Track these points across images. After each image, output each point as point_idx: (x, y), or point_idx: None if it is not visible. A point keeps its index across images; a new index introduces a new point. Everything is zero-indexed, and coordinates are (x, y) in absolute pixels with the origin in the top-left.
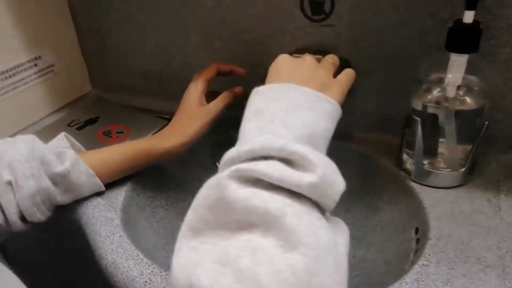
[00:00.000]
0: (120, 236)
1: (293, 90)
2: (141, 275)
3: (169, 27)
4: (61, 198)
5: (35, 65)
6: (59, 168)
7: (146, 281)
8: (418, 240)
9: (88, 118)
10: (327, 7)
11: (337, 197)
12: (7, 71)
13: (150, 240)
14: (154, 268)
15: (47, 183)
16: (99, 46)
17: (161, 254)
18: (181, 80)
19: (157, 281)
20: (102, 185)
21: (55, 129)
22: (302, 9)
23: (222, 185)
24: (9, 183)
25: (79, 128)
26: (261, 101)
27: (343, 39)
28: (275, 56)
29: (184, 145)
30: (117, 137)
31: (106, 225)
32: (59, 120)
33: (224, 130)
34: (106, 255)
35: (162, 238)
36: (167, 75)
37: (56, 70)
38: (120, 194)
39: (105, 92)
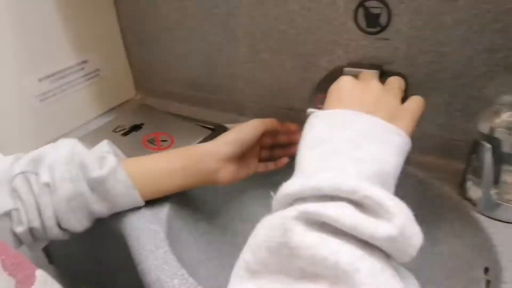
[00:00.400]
0: (165, 251)
1: (359, 118)
2: None
3: (216, 36)
4: (98, 206)
5: (82, 68)
6: (95, 173)
7: None
8: (488, 282)
9: (133, 124)
10: (383, 19)
11: (414, 252)
12: (57, 73)
13: (193, 255)
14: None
15: (84, 187)
16: (145, 52)
17: (203, 271)
18: (226, 90)
19: None
20: (140, 199)
21: (100, 134)
22: (356, 21)
23: (288, 227)
24: (47, 185)
25: (125, 134)
26: (323, 127)
27: (400, 54)
28: (325, 69)
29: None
30: (161, 145)
31: (151, 238)
32: (105, 125)
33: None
34: (150, 270)
35: (205, 253)
36: (212, 84)
37: (102, 75)
38: (164, 206)
39: (149, 97)
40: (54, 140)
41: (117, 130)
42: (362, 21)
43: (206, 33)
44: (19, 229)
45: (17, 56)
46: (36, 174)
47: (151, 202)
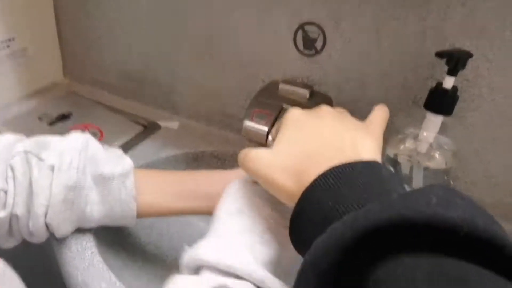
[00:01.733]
0: (91, 252)
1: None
2: None
3: (159, 34)
4: (90, 209)
5: (8, 46)
6: (107, 169)
7: None
8: None
9: (61, 113)
10: (319, 44)
11: None
12: None
13: (119, 257)
14: None
15: (88, 181)
16: (79, 36)
17: (128, 272)
18: (162, 87)
19: None
20: (134, 217)
21: (24, 121)
22: (295, 41)
23: None
24: (51, 168)
25: (51, 124)
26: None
27: (329, 78)
28: (261, 81)
29: None
30: None
31: (78, 239)
32: (29, 111)
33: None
34: (76, 273)
35: (130, 254)
36: (148, 79)
37: (28, 54)
38: None
39: (78, 84)
40: None
41: (43, 118)
42: (300, 43)
43: (149, 30)
44: (1, 213)
45: None
46: (39, 157)
47: None
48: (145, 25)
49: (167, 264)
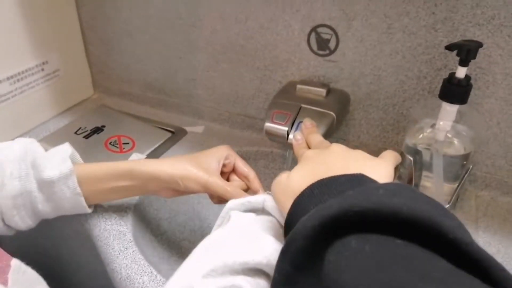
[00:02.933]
0: (133, 251)
1: None
2: None
3: (177, 44)
4: (43, 206)
5: (42, 69)
6: (46, 174)
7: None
8: None
9: (95, 126)
10: (332, 44)
11: None
12: (16, 75)
13: (156, 253)
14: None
15: (32, 186)
16: (105, 52)
17: (165, 267)
18: (184, 94)
19: None
20: (87, 208)
21: (62, 136)
22: (309, 43)
23: None
24: None
25: (86, 137)
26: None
27: (345, 74)
28: (279, 83)
29: (165, 180)
30: (123, 148)
31: (119, 239)
32: (66, 127)
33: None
34: (120, 269)
35: (166, 250)
36: (170, 88)
37: (61, 75)
38: (129, 208)
39: (107, 97)
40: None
41: (79, 132)
42: (314, 44)
43: (168, 41)
44: None
45: None
46: None
47: (117, 206)
48: (164, 35)
49: None
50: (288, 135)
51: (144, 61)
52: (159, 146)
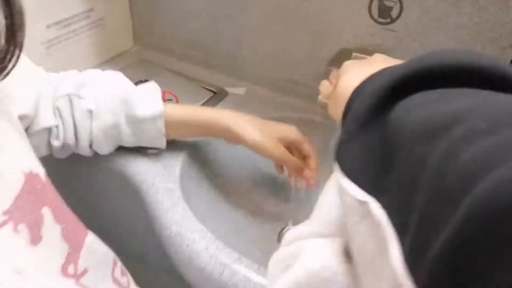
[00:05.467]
0: (183, 208)
1: None
2: (206, 249)
3: (227, 1)
4: (127, 138)
5: (88, 16)
6: (139, 112)
7: (211, 255)
8: None
9: (138, 80)
10: (394, 12)
11: None
12: (63, 20)
13: (202, 210)
14: (219, 244)
15: (122, 121)
16: (150, 4)
17: (212, 225)
18: (229, 54)
19: (221, 257)
20: (164, 146)
21: None
22: (370, 10)
23: None
24: (90, 112)
25: None
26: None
27: (403, 45)
28: (331, 50)
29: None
30: None
31: (168, 196)
32: None
33: None
34: (170, 225)
35: (212, 209)
36: (215, 47)
37: (105, 24)
38: (176, 165)
39: (147, 50)
40: None
41: None
42: (375, 11)
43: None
44: (55, 143)
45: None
46: (79, 97)
47: (164, 162)
48: None
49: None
50: None
51: (190, 17)
52: (202, 105)
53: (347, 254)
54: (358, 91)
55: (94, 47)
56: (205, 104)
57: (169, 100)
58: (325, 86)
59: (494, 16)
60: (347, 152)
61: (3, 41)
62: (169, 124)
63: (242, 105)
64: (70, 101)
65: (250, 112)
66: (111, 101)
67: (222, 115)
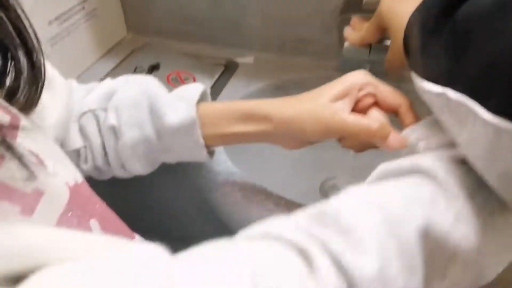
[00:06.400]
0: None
1: None
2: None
3: None
4: (162, 155)
5: (83, 8)
6: (167, 121)
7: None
8: None
9: (150, 64)
10: None
11: None
12: (62, 14)
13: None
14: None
15: (151, 134)
16: None
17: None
18: (232, 23)
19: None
20: (207, 157)
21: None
22: None
23: None
24: (112, 128)
25: (147, 74)
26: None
27: None
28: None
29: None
30: (186, 83)
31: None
32: (122, 68)
33: None
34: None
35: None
36: (217, 18)
37: (98, 14)
38: None
39: (142, 36)
40: None
41: (138, 71)
42: None
43: None
44: (85, 166)
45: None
46: (105, 110)
47: None
48: None
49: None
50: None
51: None
52: (216, 82)
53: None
54: (418, 9)
55: (93, 39)
56: (222, 78)
57: (186, 79)
58: (349, 31)
59: None
60: (420, 58)
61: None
62: (205, 124)
63: (254, 73)
64: (96, 117)
65: (264, 79)
66: (136, 112)
67: (269, 103)
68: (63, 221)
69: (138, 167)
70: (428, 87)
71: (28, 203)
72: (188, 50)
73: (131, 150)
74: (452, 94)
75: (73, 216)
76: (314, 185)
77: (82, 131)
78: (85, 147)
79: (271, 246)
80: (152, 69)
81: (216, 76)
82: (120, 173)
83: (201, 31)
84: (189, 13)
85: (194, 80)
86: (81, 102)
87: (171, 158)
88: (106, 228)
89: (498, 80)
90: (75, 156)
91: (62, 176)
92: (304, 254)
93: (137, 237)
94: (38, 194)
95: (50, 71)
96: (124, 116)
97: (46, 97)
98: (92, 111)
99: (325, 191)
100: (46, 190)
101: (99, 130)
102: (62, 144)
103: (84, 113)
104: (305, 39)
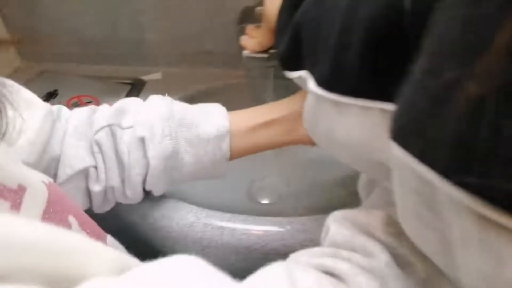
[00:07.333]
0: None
1: None
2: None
3: None
4: (186, 170)
5: None
6: (201, 130)
7: (204, 224)
8: None
9: (46, 92)
10: None
11: None
12: None
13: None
14: (208, 212)
15: (182, 145)
16: (26, 15)
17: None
18: (133, 42)
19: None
20: (223, 174)
21: None
22: None
23: None
24: (142, 140)
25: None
26: None
27: None
28: (232, 10)
29: None
30: None
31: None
32: None
33: None
34: (151, 213)
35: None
36: (116, 39)
37: None
38: None
39: (37, 63)
40: None
41: None
42: None
43: None
44: (96, 188)
45: None
46: (121, 127)
47: None
48: None
49: None
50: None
51: (78, 15)
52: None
53: None
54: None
55: None
56: (128, 96)
57: (89, 102)
58: (246, 39)
59: None
60: (280, 52)
61: None
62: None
63: (164, 89)
64: (112, 132)
65: (175, 93)
66: (167, 125)
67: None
68: (46, 217)
69: (160, 185)
70: (291, 73)
71: (15, 199)
72: (90, 72)
73: (162, 163)
74: (304, 73)
75: (54, 212)
76: (241, 188)
77: (96, 148)
78: (95, 166)
79: None
80: (50, 97)
81: (123, 95)
82: (133, 194)
83: (101, 52)
84: (84, 36)
85: (98, 102)
86: (91, 119)
87: (190, 174)
88: (83, 225)
89: (322, 53)
90: (82, 177)
91: (36, 174)
92: None
93: (109, 237)
94: (21, 189)
95: (28, 94)
96: (157, 128)
97: (26, 116)
98: (110, 126)
99: (252, 193)
100: (28, 185)
101: (115, 147)
102: (61, 166)
103: (100, 129)
104: (210, 51)
